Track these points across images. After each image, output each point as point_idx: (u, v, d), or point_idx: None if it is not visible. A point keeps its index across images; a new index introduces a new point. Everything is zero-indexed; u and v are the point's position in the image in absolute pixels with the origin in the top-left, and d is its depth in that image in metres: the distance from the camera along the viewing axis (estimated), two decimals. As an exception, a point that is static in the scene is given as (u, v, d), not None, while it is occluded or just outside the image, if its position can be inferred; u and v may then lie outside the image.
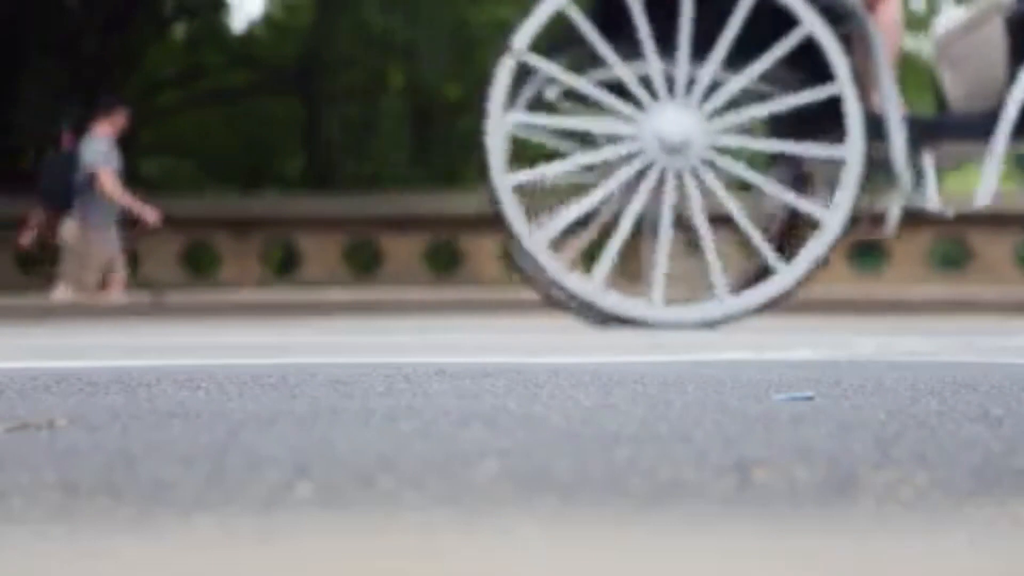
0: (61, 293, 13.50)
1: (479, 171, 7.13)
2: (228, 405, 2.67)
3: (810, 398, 2.81)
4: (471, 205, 16.71)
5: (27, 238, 14.22)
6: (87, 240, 13.51)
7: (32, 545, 1.54)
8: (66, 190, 13.67)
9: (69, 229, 13.52)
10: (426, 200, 16.61)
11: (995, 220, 15.50)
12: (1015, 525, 1.64)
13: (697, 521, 1.64)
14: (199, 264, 16.31)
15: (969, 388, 3.00)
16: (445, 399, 2.75)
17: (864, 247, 16.44)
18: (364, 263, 16.12)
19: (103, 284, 13.65)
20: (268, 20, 24.48)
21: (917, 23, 22.41)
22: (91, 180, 13.46)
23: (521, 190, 7.42)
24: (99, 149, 13.53)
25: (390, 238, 15.85)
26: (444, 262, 16.16)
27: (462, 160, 24.19)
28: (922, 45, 24.85)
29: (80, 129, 14.25)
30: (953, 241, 16.19)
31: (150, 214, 13.65)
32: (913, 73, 22.68)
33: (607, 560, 1.46)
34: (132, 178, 23.39)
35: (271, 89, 22.98)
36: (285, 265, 16.84)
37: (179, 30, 23.26)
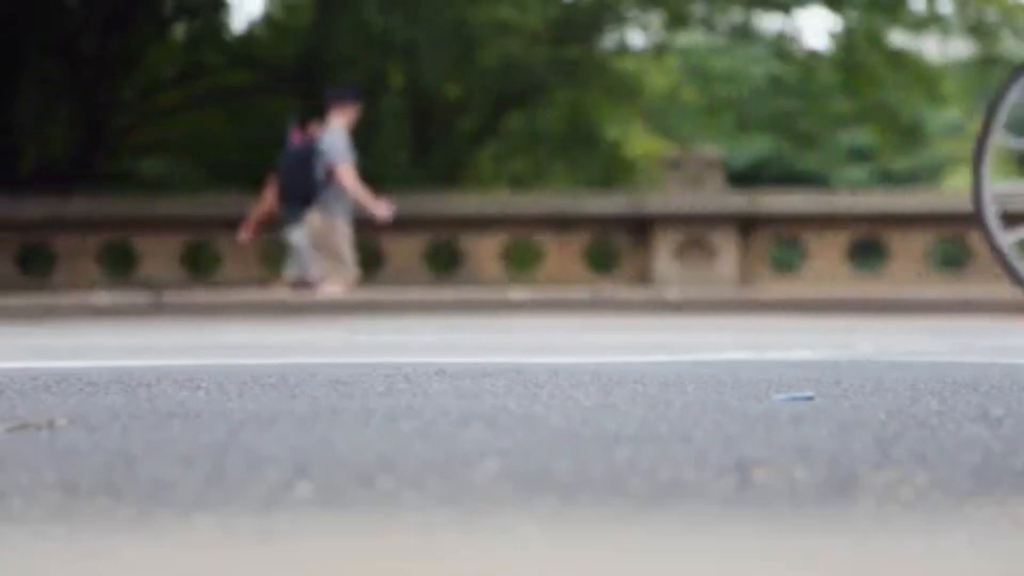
0: (332, 286, 13.39)
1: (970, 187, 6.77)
2: (228, 405, 2.67)
3: (810, 398, 2.81)
4: (471, 205, 16.70)
5: (248, 233, 14.12)
6: (332, 232, 13.44)
7: (32, 545, 1.54)
8: (306, 186, 13.58)
9: (313, 223, 13.43)
10: (426, 200, 16.61)
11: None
12: (1015, 525, 1.64)
13: (697, 521, 1.64)
14: (199, 264, 16.31)
15: (969, 388, 3.00)
16: (445, 399, 2.74)
17: (864, 247, 16.45)
18: (365, 263, 16.14)
19: (302, 280, 13.57)
20: (268, 20, 24.48)
21: (917, 23, 22.39)
22: (330, 174, 13.42)
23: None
24: (336, 143, 13.48)
25: (390, 238, 15.85)
26: (444, 262, 16.17)
27: (462, 160, 24.18)
28: (922, 45, 24.85)
29: (305, 125, 14.22)
30: (953, 241, 16.20)
31: (383, 210, 13.62)
32: (913, 73, 22.68)
33: (607, 560, 1.46)
34: (131, 178, 23.41)
35: (271, 89, 22.98)
36: (286, 265, 16.84)
37: (179, 30, 23.26)
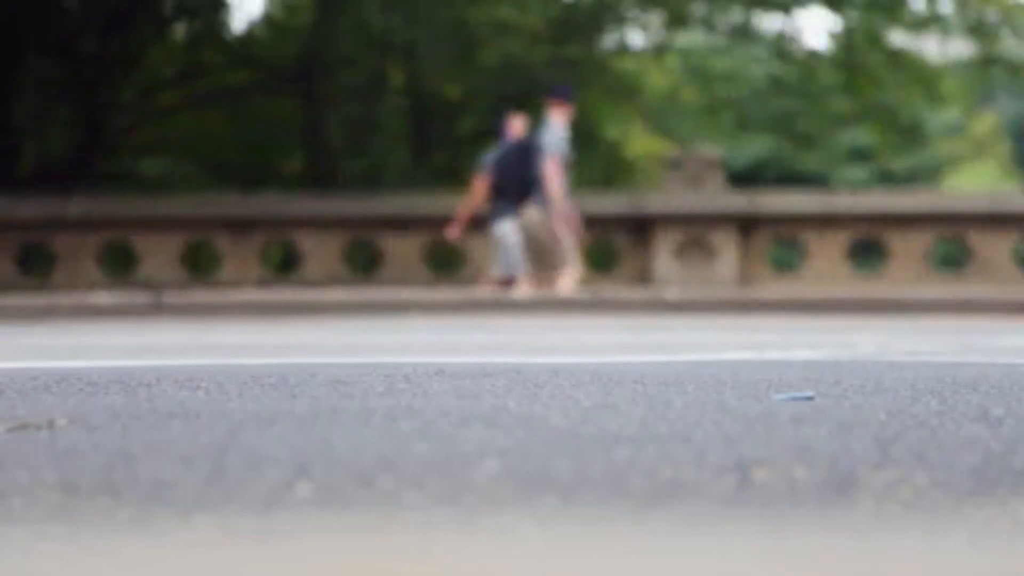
0: (566, 282, 13.33)
1: None
2: (228, 405, 2.67)
3: (810, 398, 2.81)
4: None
5: (456, 231, 14.04)
6: (553, 226, 13.37)
7: (32, 545, 1.54)
8: (524, 181, 13.52)
9: (531, 218, 13.36)
10: (426, 200, 16.60)
11: (995, 220, 15.50)
12: (1015, 525, 1.64)
13: (697, 521, 1.64)
14: (199, 264, 16.30)
15: (969, 388, 3.00)
16: (445, 399, 2.74)
17: (864, 247, 16.44)
18: (364, 263, 16.13)
19: (508, 278, 13.50)
20: (268, 20, 24.46)
21: (917, 23, 22.38)
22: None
23: None
24: (552, 138, 13.44)
25: (390, 238, 15.85)
26: (444, 262, 16.16)
27: (462, 160, 24.18)
28: (922, 45, 24.84)
29: (504, 121, 14.19)
30: (953, 241, 16.20)
31: (574, 219, 13.59)
32: (913, 73, 22.67)
33: (607, 560, 1.46)
34: (131, 178, 23.40)
35: (271, 89, 22.96)
36: (285, 265, 16.84)
37: (179, 30, 23.24)
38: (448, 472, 1.86)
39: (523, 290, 13.38)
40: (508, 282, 13.66)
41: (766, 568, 1.43)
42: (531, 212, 13.56)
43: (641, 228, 15.78)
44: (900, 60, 22.60)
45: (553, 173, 13.49)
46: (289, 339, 6.73)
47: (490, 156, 14.29)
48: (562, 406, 2.59)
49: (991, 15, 21.91)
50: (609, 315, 11.53)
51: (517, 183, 13.82)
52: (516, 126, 14.26)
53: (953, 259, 17.34)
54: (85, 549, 1.52)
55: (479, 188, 14.00)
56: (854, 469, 1.89)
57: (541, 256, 13.71)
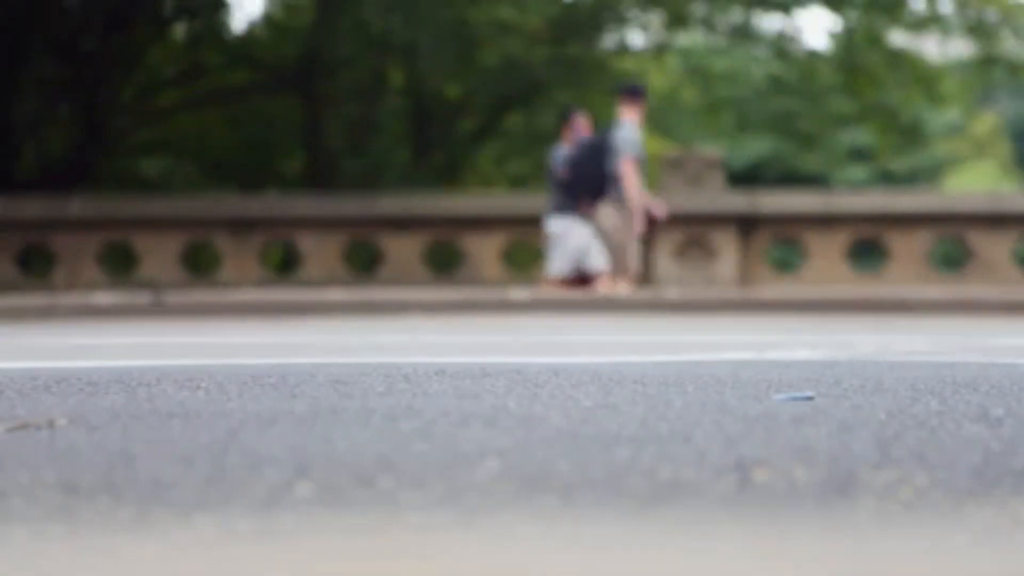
0: (608, 285, 13.28)
1: None
2: (228, 405, 2.67)
3: (810, 398, 2.81)
4: (471, 205, 16.69)
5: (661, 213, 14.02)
6: (624, 226, 13.33)
7: (32, 545, 1.54)
8: (598, 180, 13.46)
9: (606, 217, 13.32)
10: (426, 200, 16.61)
11: (995, 220, 15.50)
12: (1015, 525, 1.64)
13: (697, 521, 1.64)
14: (199, 264, 16.30)
15: (969, 388, 3.00)
16: (445, 399, 2.74)
17: (864, 247, 16.45)
18: (364, 263, 16.12)
19: (577, 277, 13.46)
20: (268, 20, 24.45)
21: (917, 23, 22.37)
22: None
23: None
24: (626, 136, 13.41)
25: (390, 238, 15.85)
26: (444, 262, 16.15)
27: (462, 160, 24.17)
28: (922, 45, 24.83)
29: (567, 119, 14.16)
30: (953, 241, 16.20)
31: (660, 210, 13.55)
32: (913, 73, 22.67)
33: (607, 560, 1.46)
34: (131, 178, 23.39)
35: (271, 89, 22.95)
36: (285, 265, 16.84)
37: (179, 30, 23.23)
38: (448, 472, 1.86)
39: (606, 286, 13.34)
40: (573, 282, 13.60)
41: (766, 568, 1.43)
42: (606, 211, 13.52)
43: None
44: (900, 60, 22.60)
45: (631, 172, 13.47)
46: (289, 339, 6.73)
47: (558, 154, 14.22)
48: (562, 406, 2.59)
49: (991, 15, 21.91)
50: (609, 315, 11.53)
51: (590, 182, 13.75)
52: (583, 126, 14.21)
53: (953, 259, 17.34)
54: (85, 549, 1.52)
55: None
56: (854, 469, 1.89)
57: (612, 255, 13.67)
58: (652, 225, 14.11)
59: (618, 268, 13.54)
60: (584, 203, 13.57)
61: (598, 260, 13.51)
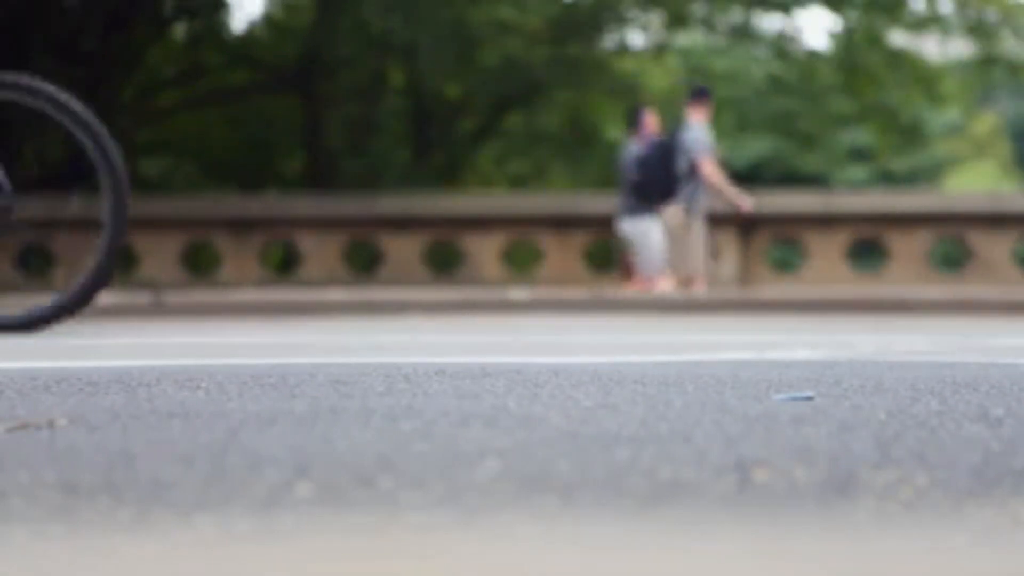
0: (664, 284, 13.28)
1: None
2: (228, 405, 2.67)
3: (810, 398, 2.81)
4: (471, 205, 16.70)
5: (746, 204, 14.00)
6: (690, 229, 13.34)
7: (32, 545, 1.54)
8: (666, 180, 13.46)
9: (673, 217, 13.33)
10: (426, 200, 16.62)
11: (995, 220, 15.52)
12: (1015, 525, 1.64)
13: (697, 521, 1.64)
14: (199, 264, 16.31)
15: (969, 388, 3.00)
16: (445, 399, 2.74)
17: (864, 247, 16.46)
18: (364, 263, 16.13)
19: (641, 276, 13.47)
20: (268, 20, 24.47)
21: (917, 23, 22.38)
22: (693, 168, 13.43)
23: None
24: (699, 136, 13.51)
25: (390, 238, 15.85)
26: (444, 262, 16.17)
27: (462, 160, 24.17)
28: (922, 45, 24.83)
29: (636, 119, 14.16)
30: (953, 241, 16.21)
31: (745, 202, 13.55)
32: (913, 73, 22.67)
33: (607, 560, 1.46)
34: (131, 178, 23.33)
35: (271, 89, 22.97)
36: (285, 265, 16.85)
37: (179, 30, 23.25)
38: (448, 472, 1.86)
39: (664, 286, 13.33)
40: (640, 281, 13.60)
41: (766, 568, 1.43)
42: (672, 211, 13.50)
43: (641, 228, 15.76)
44: (900, 60, 22.60)
45: (713, 170, 13.47)
46: (289, 339, 6.73)
47: (628, 154, 14.18)
48: (562, 406, 2.59)
49: (991, 15, 21.90)
50: (609, 315, 11.53)
51: (660, 182, 13.71)
52: (652, 124, 14.18)
53: (953, 259, 17.35)
54: (85, 549, 1.53)
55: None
56: (854, 469, 1.89)
57: (678, 256, 13.64)
58: (741, 219, 14.14)
59: (682, 268, 13.55)
60: (655, 203, 13.57)
61: (662, 261, 13.56)
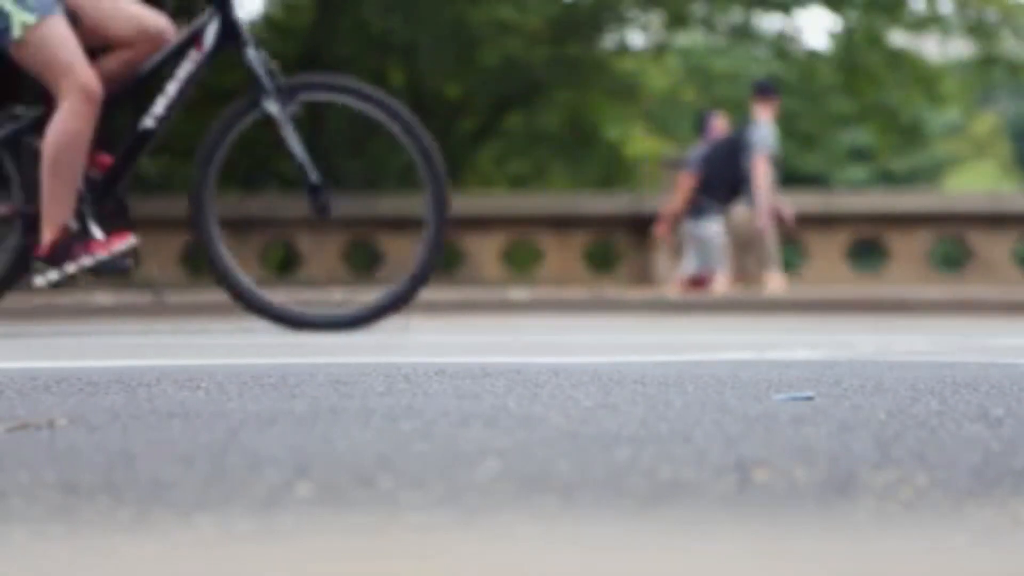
0: (777, 283, 13.25)
1: None
2: (228, 405, 2.67)
3: (810, 398, 2.81)
4: (471, 205, 16.70)
5: (663, 229, 13.95)
6: (756, 228, 13.32)
7: (32, 545, 1.54)
8: (732, 179, 13.41)
9: (737, 216, 13.30)
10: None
11: (995, 220, 15.52)
12: (1015, 525, 1.64)
13: (697, 521, 1.64)
14: (199, 264, 16.31)
15: (969, 388, 3.00)
16: (445, 399, 2.74)
17: (864, 247, 16.45)
18: (364, 263, 16.13)
19: (700, 277, 13.44)
20: (268, 20, 24.48)
21: (917, 23, 22.38)
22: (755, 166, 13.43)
23: None
24: (766, 135, 13.50)
25: (390, 238, 15.85)
26: (444, 262, 16.18)
27: (462, 160, 24.17)
28: (922, 45, 24.84)
29: (704, 122, 14.15)
30: (953, 241, 16.21)
31: (788, 212, 13.51)
32: (913, 73, 22.67)
33: (607, 560, 1.46)
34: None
35: (271, 89, 22.97)
36: (285, 265, 16.85)
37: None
38: (448, 472, 1.86)
39: (721, 285, 13.31)
40: (700, 282, 13.57)
41: (766, 568, 1.43)
42: (739, 211, 13.48)
43: (641, 228, 15.77)
44: (900, 60, 22.59)
45: (763, 170, 13.44)
46: (289, 339, 6.73)
47: (695, 154, 14.15)
48: (562, 406, 2.59)
49: (991, 15, 21.90)
50: (609, 315, 11.53)
51: (725, 181, 13.68)
52: (719, 128, 14.17)
53: (953, 259, 17.36)
54: (85, 549, 1.53)
55: (685, 185, 13.81)
56: (854, 469, 1.89)
57: (745, 255, 13.62)
58: (781, 225, 14.10)
59: (759, 267, 13.52)
60: (719, 202, 13.55)
61: (722, 260, 13.53)
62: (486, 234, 16.06)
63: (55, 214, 6.35)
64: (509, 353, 5.07)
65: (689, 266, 13.66)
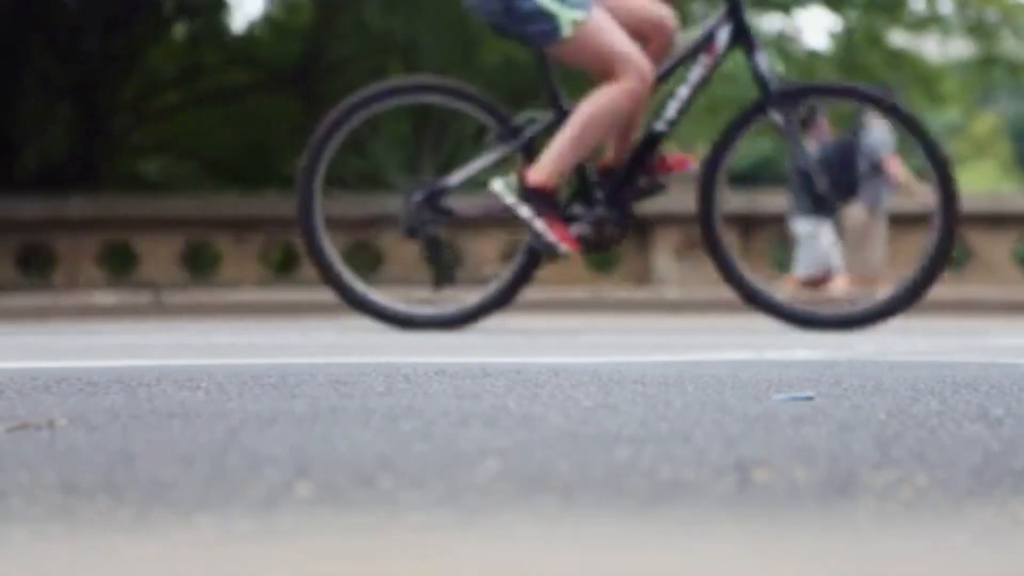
0: (840, 284, 13.25)
1: None
2: (228, 405, 2.67)
3: (810, 398, 2.81)
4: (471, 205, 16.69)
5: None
6: (872, 228, 13.31)
7: (32, 545, 1.54)
8: (846, 179, 13.38)
9: (854, 217, 13.31)
10: (426, 200, 16.61)
11: (995, 220, 15.51)
12: (1015, 525, 1.64)
13: (697, 521, 1.64)
14: (199, 264, 16.31)
15: (969, 388, 3.00)
16: (445, 399, 2.74)
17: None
18: (364, 263, 16.13)
19: (817, 277, 13.42)
20: (268, 20, 24.47)
21: (917, 23, 22.39)
22: (877, 167, 13.39)
23: None
24: (883, 136, 13.48)
25: (390, 238, 15.85)
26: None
27: (462, 160, 24.15)
28: (922, 45, 24.84)
29: (811, 121, 14.15)
30: (953, 241, 16.21)
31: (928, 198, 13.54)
32: (913, 73, 22.67)
33: (607, 560, 1.46)
34: (132, 178, 23.39)
35: (271, 89, 22.97)
36: (285, 265, 16.85)
37: (179, 30, 23.24)
38: (448, 472, 1.86)
39: (841, 286, 13.29)
40: (815, 282, 13.55)
41: (766, 568, 1.43)
42: (855, 211, 13.47)
43: (641, 228, 15.77)
44: (900, 60, 22.60)
45: (900, 169, 13.48)
46: (289, 339, 6.73)
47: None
48: (562, 406, 2.59)
49: (991, 15, 21.90)
50: (609, 315, 11.53)
51: (841, 181, 13.66)
52: (826, 125, 14.19)
53: (953, 259, 17.33)
54: (85, 549, 1.53)
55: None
56: (854, 469, 1.89)
57: (859, 256, 13.60)
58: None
59: (863, 268, 13.53)
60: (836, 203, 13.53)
61: (838, 260, 13.53)
62: (484, 233, 16.06)
63: (554, 162, 6.44)
64: (509, 353, 5.07)
65: (804, 266, 13.65)
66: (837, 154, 13.63)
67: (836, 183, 13.70)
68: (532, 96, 23.90)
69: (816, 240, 13.51)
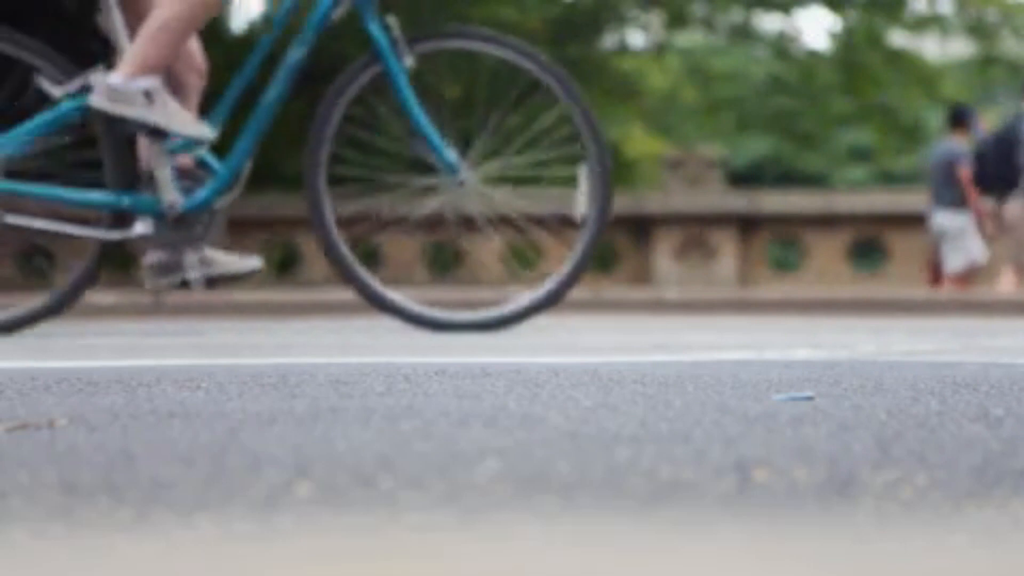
0: (1007, 282, 13.14)
1: None
2: (228, 405, 2.67)
3: (810, 398, 2.81)
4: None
5: (990, 228, 13.86)
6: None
7: (32, 545, 1.54)
8: (1007, 174, 13.28)
9: (1013, 210, 13.23)
10: (426, 200, 16.62)
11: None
12: (1015, 525, 1.64)
13: (697, 521, 1.64)
14: (199, 264, 16.31)
15: (969, 388, 3.00)
16: (445, 399, 2.74)
17: (864, 247, 16.45)
18: (364, 263, 16.13)
19: (966, 272, 13.34)
20: (268, 20, 24.49)
21: (917, 23, 22.39)
22: None
23: None
24: None
25: (390, 238, 15.86)
26: (444, 262, 16.17)
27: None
28: (922, 45, 24.84)
29: (964, 118, 14.08)
30: (953, 241, 16.19)
31: None
32: (913, 73, 22.67)
33: (607, 560, 1.46)
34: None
35: (271, 89, 22.98)
36: (285, 265, 16.85)
37: (179, 30, 23.25)
38: (448, 472, 1.86)
39: (1010, 282, 13.22)
40: (965, 277, 13.48)
41: (766, 568, 1.43)
42: (1014, 205, 13.40)
43: (641, 228, 15.78)
44: (900, 60, 22.61)
45: None
46: (289, 339, 6.73)
47: (942, 151, 14.09)
48: (562, 406, 2.59)
49: (991, 15, 21.92)
50: (609, 315, 11.53)
51: (1000, 176, 13.58)
52: (982, 121, 14.13)
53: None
54: (85, 549, 1.53)
55: (967, 179, 13.70)
56: (854, 469, 1.89)
57: (1017, 249, 13.53)
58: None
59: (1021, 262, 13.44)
60: (992, 197, 13.45)
61: (982, 256, 13.45)
62: (486, 234, 16.05)
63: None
64: (509, 353, 5.07)
65: (954, 262, 13.58)
66: (995, 148, 13.57)
67: (993, 177, 13.59)
68: (530, 97, 23.83)
69: (964, 233, 13.42)
